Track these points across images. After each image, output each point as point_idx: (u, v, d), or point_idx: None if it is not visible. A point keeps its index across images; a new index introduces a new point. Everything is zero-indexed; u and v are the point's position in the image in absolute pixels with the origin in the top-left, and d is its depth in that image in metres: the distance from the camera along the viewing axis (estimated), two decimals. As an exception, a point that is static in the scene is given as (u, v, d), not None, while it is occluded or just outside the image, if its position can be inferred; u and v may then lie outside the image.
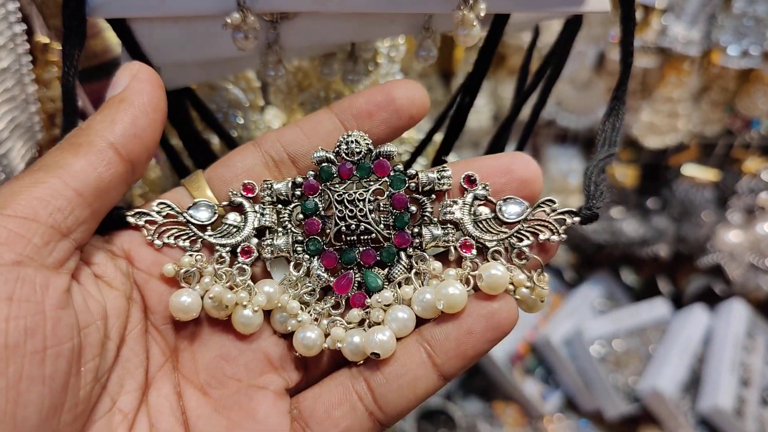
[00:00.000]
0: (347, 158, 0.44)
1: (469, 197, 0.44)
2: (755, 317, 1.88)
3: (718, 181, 1.83)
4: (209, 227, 0.45)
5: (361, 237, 0.44)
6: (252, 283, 0.44)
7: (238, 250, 0.45)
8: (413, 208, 0.44)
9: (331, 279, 0.45)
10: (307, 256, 0.45)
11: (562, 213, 0.43)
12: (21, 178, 0.37)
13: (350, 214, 0.44)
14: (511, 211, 0.44)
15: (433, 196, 0.45)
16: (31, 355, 0.33)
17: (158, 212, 0.44)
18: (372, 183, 0.44)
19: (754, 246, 1.79)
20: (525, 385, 1.77)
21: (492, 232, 0.44)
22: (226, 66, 0.53)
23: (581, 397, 1.79)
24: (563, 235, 0.43)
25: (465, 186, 0.44)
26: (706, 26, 1.56)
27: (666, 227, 1.85)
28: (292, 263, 0.45)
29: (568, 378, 1.78)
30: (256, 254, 0.45)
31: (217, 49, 0.47)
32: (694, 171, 1.83)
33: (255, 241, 0.45)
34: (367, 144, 0.44)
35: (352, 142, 0.44)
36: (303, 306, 0.44)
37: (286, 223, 0.45)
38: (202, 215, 0.44)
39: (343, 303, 0.45)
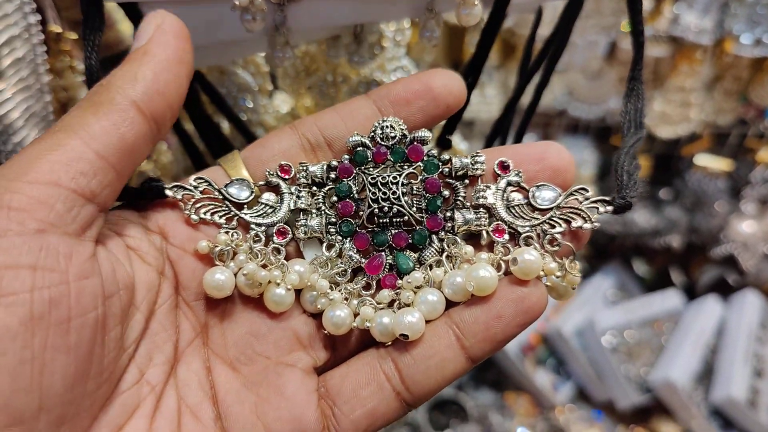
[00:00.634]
0: (382, 143, 0.45)
1: (502, 183, 0.45)
2: (769, 308, 1.86)
3: (731, 171, 1.82)
4: (245, 206, 0.45)
5: (394, 220, 0.45)
6: (286, 263, 0.45)
7: (274, 230, 0.45)
8: (446, 193, 0.45)
9: (363, 260, 0.45)
10: (339, 237, 0.46)
11: (595, 201, 0.43)
12: (41, 140, 0.36)
13: (383, 196, 0.44)
14: (545, 197, 0.44)
15: (467, 181, 0.45)
16: (55, 325, 0.33)
17: (195, 187, 0.44)
18: (406, 167, 0.45)
19: (768, 236, 1.78)
20: (537, 376, 1.77)
21: (524, 218, 0.44)
22: (235, 49, 0.54)
23: (593, 387, 1.79)
24: (596, 224, 0.43)
25: (498, 172, 0.45)
26: (718, 15, 1.55)
27: (679, 218, 1.84)
28: (324, 244, 0.46)
29: (580, 369, 1.78)
30: (291, 235, 0.46)
31: (226, 32, 0.48)
32: (707, 161, 1.82)
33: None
34: (402, 129, 0.45)
35: (387, 127, 0.45)
36: (333, 285, 0.45)
37: (320, 204, 0.46)
38: (240, 193, 0.45)
39: (374, 284, 0.46)
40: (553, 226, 0.44)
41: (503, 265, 0.43)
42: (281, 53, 0.49)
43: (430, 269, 0.45)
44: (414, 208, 0.45)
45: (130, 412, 0.39)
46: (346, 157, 0.46)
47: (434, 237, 0.45)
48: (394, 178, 0.45)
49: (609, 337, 1.75)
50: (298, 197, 0.45)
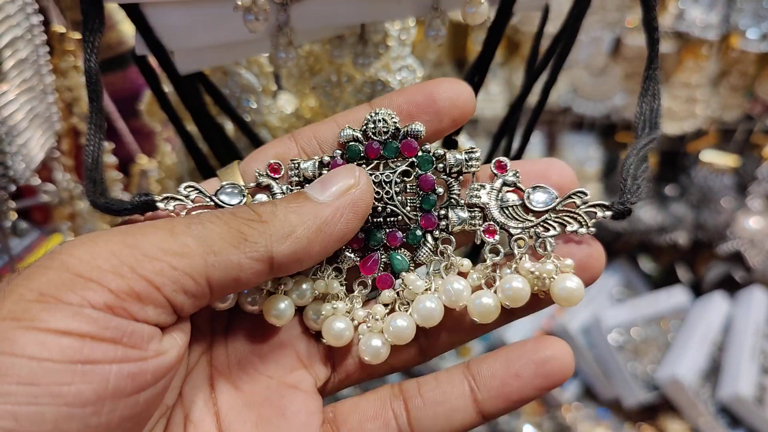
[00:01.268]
0: (374, 137, 0.44)
1: (497, 183, 0.44)
2: (776, 304, 1.85)
3: (737, 167, 1.81)
4: None
5: (388, 219, 0.44)
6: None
7: None
8: (440, 190, 0.44)
9: (357, 260, 0.45)
10: None
11: (594, 206, 0.42)
12: (174, 233, 0.35)
13: (376, 196, 0.44)
14: (539, 198, 0.43)
15: (461, 178, 0.44)
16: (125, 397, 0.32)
17: (186, 196, 0.43)
18: (399, 164, 0.44)
19: (775, 232, 1.77)
20: (542, 374, 1.76)
21: (517, 219, 0.43)
22: (238, 50, 0.53)
23: (599, 385, 1.78)
24: (592, 228, 0.42)
25: (495, 171, 0.44)
26: (724, 10, 1.54)
27: (684, 214, 1.83)
28: None
29: (586, 366, 1.78)
30: None
31: (228, 32, 0.48)
32: (713, 157, 1.81)
33: None
34: (395, 122, 0.43)
35: (379, 120, 0.43)
36: (336, 297, 0.45)
37: None
38: (231, 199, 0.44)
39: (370, 284, 0.45)
40: (547, 229, 0.42)
41: (495, 281, 0.43)
42: (285, 54, 0.49)
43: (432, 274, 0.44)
44: (408, 207, 0.44)
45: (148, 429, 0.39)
46: (338, 152, 0.44)
47: (428, 236, 0.45)
48: (387, 176, 0.44)
49: (615, 334, 1.74)
50: None
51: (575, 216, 0.42)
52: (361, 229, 0.44)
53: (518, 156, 0.66)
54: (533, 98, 0.62)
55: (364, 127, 0.44)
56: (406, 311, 0.44)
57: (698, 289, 1.97)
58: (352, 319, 0.44)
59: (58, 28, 0.76)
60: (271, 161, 0.44)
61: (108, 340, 0.32)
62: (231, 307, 0.43)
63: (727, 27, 1.54)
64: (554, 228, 0.42)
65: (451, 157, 0.44)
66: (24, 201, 0.85)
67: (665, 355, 1.75)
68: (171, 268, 0.34)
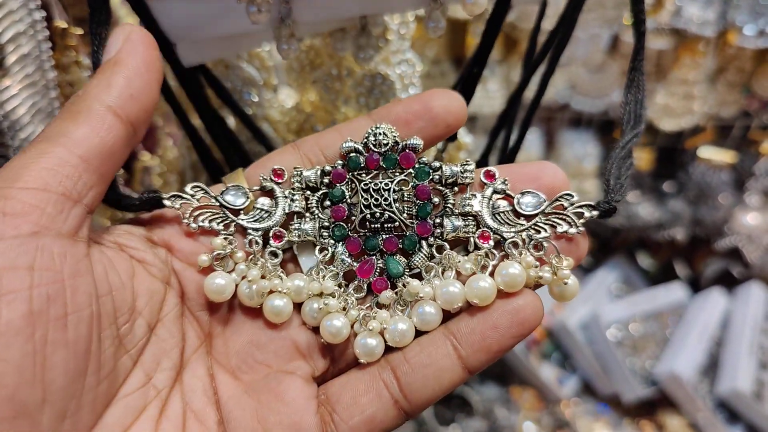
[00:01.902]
0: (375, 149, 0.46)
1: (488, 191, 0.46)
2: (774, 300, 1.86)
3: (735, 163, 1.81)
4: (242, 212, 0.46)
5: (385, 225, 0.46)
6: (283, 271, 0.46)
7: (270, 234, 0.46)
8: (436, 200, 0.46)
9: (354, 264, 0.46)
10: (332, 241, 0.47)
11: (581, 206, 0.44)
12: (26, 150, 0.38)
13: (375, 202, 0.46)
14: (527, 202, 0.45)
15: (456, 188, 0.47)
16: (54, 320, 0.35)
17: (192, 195, 0.45)
18: (397, 174, 0.46)
19: (773, 228, 1.77)
20: (542, 370, 1.77)
21: (509, 224, 0.45)
22: (240, 42, 0.54)
23: (598, 381, 1.79)
24: (581, 228, 0.44)
25: (485, 180, 0.46)
26: (721, 6, 1.54)
27: (682, 210, 1.83)
28: (317, 247, 0.47)
29: (585, 362, 1.78)
30: (287, 238, 0.46)
31: (231, 25, 0.49)
32: (710, 153, 1.82)
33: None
34: (395, 137, 0.46)
35: (380, 134, 0.46)
36: (331, 296, 0.46)
37: (314, 209, 0.47)
38: (235, 200, 0.46)
39: (365, 288, 0.47)
40: (539, 232, 0.44)
41: (489, 266, 0.44)
42: (287, 45, 0.50)
43: (427, 276, 0.46)
44: (405, 214, 0.46)
45: (136, 413, 0.40)
46: (340, 162, 0.47)
47: (424, 243, 0.46)
48: (386, 184, 0.46)
49: (614, 330, 1.75)
50: (292, 200, 0.46)
51: (564, 217, 0.44)
52: (359, 234, 0.46)
53: (516, 149, 0.67)
54: (531, 94, 0.63)
55: (365, 140, 0.46)
56: (403, 312, 0.45)
57: (696, 285, 1.97)
58: (347, 316, 0.45)
59: (61, 23, 0.77)
60: (275, 167, 0.47)
61: (22, 267, 0.34)
62: (228, 300, 0.45)
63: (723, 23, 1.55)
64: (545, 230, 0.44)
65: (447, 169, 0.46)
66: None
67: (664, 350, 1.76)
68: (45, 169, 0.37)
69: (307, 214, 0.47)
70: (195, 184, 0.46)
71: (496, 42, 0.51)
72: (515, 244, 0.45)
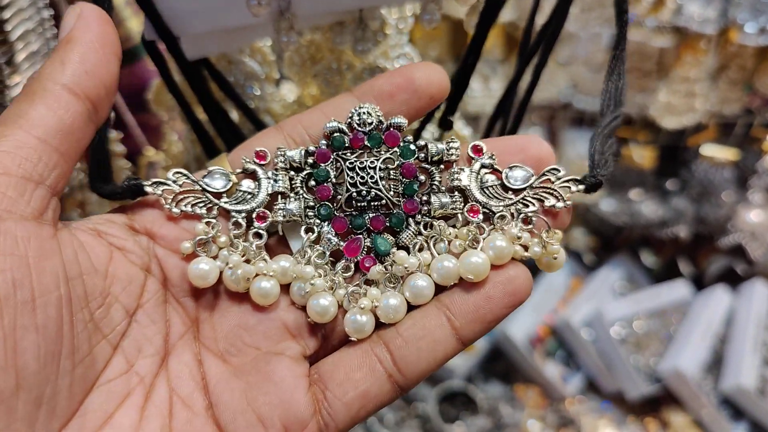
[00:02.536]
0: (359, 129, 0.46)
1: (476, 165, 0.46)
2: (778, 297, 1.86)
3: (737, 160, 1.81)
4: (224, 194, 0.46)
5: (372, 203, 0.46)
6: (267, 254, 0.46)
7: (254, 215, 0.46)
8: (422, 177, 0.46)
9: (341, 243, 0.46)
10: (318, 221, 0.46)
11: (567, 180, 0.45)
12: None
13: (361, 180, 0.45)
14: (516, 176, 0.45)
15: (442, 166, 0.47)
16: (21, 305, 0.34)
17: (174, 181, 0.45)
18: (382, 153, 0.46)
19: (776, 225, 1.77)
20: (546, 368, 1.77)
21: (498, 198, 0.46)
22: (242, 35, 0.55)
23: (602, 378, 1.79)
24: (568, 202, 0.45)
25: (472, 155, 0.46)
26: (722, 4, 1.54)
27: (685, 208, 1.84)
28: (303, 227, 0.47)
29: (589, 360, 1.79)
30: (271, 219, 0.46)
31: (232, 17, 0.50)
32: (713, 151, 1.81)
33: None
34: (379, 116, 0.46)
35: (364, 113, 0.45)
36: (318, 273, 0.45)
37: (298, 189, 0.47)
38: (217, 183, 0.46)
39: (353, 266, 0.47)
40: (527, 206, 0.45)
41: (480, 241, 0.45)
42: (286, 38, 0.51)
43: (419, 251, 0.46)
44: (391, 192, 0.46)
45: (119, 400, 0.40)
46: (324, 142, 0.46)
47: (411, 220, 0.46)
48: (372, 162, 0.46)
49: (618, 328, 1.75)
50: (276, 180, 0.46)
51: (551, 191, 0.45)
52: (346, 213, 0.46)
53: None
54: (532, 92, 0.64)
55: (349, 119, 0.46)
56: (394, 288, 0.45)
57: (700, 283, 1.97)
58: (334, 295, 0.45)
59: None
60: (258, 149, 0.46)
61: None
62: (213, 285, 0.45)
63: (725, 21, 1.55)
64: (533, 204, 0.45)
65: (433, 146, 0.46)
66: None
67: (667, 347, 1.76)
68: (3, 152, 0.36)
69: (292, 194, 0.47)
70: (177, 170, 0.45)
71: (498, 42, 0.52)
72: (503, 218, 0.45)
